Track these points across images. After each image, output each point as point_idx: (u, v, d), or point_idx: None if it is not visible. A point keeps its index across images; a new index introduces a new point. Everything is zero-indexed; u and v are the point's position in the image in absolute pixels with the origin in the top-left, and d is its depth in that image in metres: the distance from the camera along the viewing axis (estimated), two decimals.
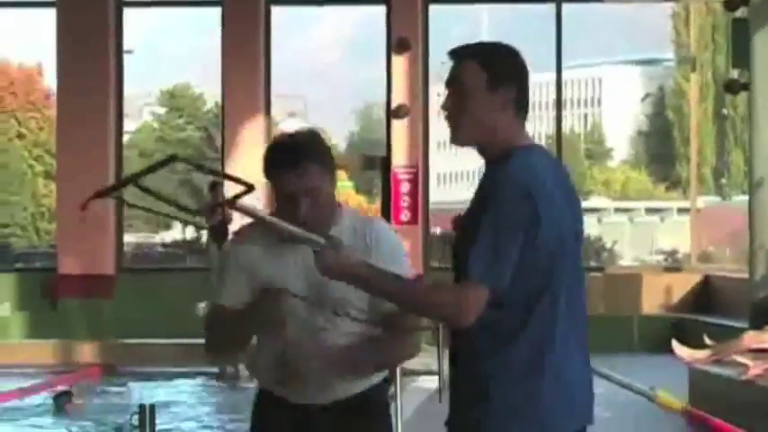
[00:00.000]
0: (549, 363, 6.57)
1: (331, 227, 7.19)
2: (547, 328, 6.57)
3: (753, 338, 19.66)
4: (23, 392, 22.44)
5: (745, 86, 25.36)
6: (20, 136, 41.44)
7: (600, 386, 7.27)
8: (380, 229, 7.59)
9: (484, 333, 6.58)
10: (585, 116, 44.84)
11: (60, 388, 22.31)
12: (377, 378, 7.84)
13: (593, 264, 32.35)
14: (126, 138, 36.81)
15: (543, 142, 27.01)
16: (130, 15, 31.47)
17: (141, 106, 39.21)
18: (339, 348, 7.53)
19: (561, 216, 6.54)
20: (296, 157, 7.31)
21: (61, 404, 21.42)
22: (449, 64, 6.92)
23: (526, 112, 6.74)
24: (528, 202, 6.44)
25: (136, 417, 7.74)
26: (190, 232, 36.14)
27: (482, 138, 6.66)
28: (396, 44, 29.48)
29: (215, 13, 30.73)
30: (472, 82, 6.60)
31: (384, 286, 6.82)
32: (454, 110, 6.64)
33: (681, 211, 32.14)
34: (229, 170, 27.83)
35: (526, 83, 6.78)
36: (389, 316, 7.50)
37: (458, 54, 6.74)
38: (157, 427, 7.66)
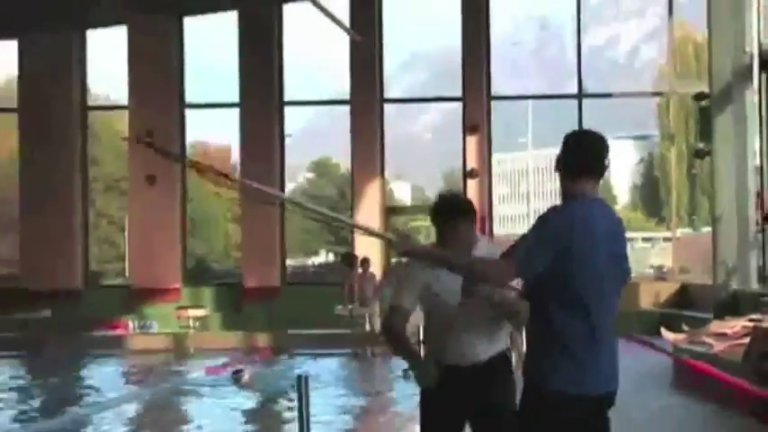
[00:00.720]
0: (568, 336, 6.87)
1: (475, 244, 7.98)
2: (567, 318, 6.88)
3: (716, 326, 19.39)
4: (222, 368, 22.38)
5: (708, 153, 25.73)
6: (216, 194, 42.53)
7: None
8: (491, 245, 8.25)
9: (532, 316, 7.07)
10: None
11: (238, 366, 22.22)
12: (501, 347, 8.27)
13: None
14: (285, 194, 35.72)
15: None
16: (290, 111, 30.95)
17: (296, 172, 40.14)
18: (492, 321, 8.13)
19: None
20: (466, 209, 8.13)
21: (237, 378, 21.36)
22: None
23: (594, 175, 7.18)
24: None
25: (295, 385, 7.98)
26: (329, 257, 35.88)
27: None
28: (468, 128, 28.91)
29: (346, 110, 30.01)
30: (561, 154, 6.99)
31: (448, 261, 7.41)
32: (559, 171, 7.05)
33: (665, 239, 33.05)
34: (356, 215, 28.79)
35: (596, 153, 7.11)
36: (507, 304, 7.95)
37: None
38: (310, 392, 7.87)
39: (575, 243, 6.69)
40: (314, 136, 33.13)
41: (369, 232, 8.47)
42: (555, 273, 6.72)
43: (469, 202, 8.31)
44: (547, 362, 6.83)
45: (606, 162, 7.00)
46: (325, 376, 21.78)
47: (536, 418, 6.90)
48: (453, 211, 8.00)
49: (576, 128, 28.57)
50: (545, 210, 6.83)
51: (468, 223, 8.03)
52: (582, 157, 6.88)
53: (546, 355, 6.87)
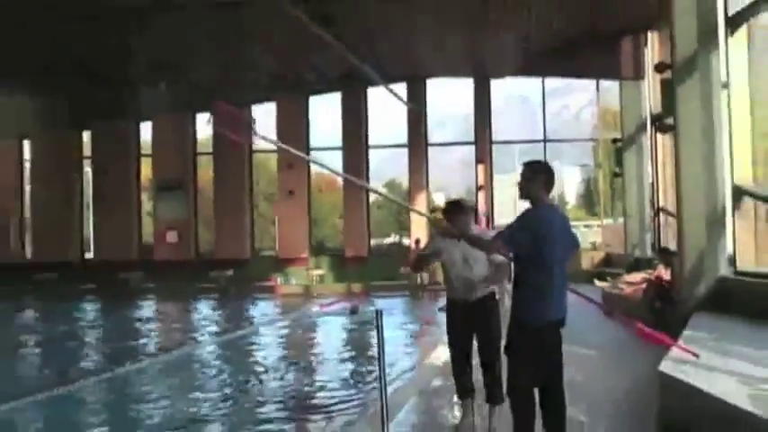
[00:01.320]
0: (535, 285, 7.00)
1: (470, 231, 7.93)
2: (536, 273, 7.00)
3: (627, 278, 19.20)
4: (331, 305, 22.15)
5: (621, 174, 26.10)
6: (330, 203, 38.79)
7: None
8: (483, 231, 8.39)
9: (516, 274, 7.16)
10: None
11: (351, 303, 21.88)
12: (490, 289, 8.41)
13: None
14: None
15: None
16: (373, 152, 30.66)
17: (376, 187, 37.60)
18: (479, 276, 8.28)
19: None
20: (464, 208, 8.24)
21: (353, 310, 21.27)
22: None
23: (549, 188, 7.22)
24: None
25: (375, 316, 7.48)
26: (396, 238, 35.32)
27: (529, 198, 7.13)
28: (478, 160, 28.84)
29: (405, 150, 29.65)
30: (529, 175, 7.07)
31: (465, 235, 7.65)
32: (523, 185, 7.16)
33: (597, 226, 31.88)
34: (413, 215, 29.25)
35: (551, 175, 7.22)
36: (495, 264, 8.26)
37: (525, 165, 7.18)
38: (384, 319, 7.42)
39: (542, 229, 6.96)
40: (387, 165, 32.71)
41: (420, 213, 8.17)
42: (529, 247, 6.97)
43: (464, 204, 8.47)
44: (524, 302, 7.08)
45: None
46: (394, 309, 21.89)
47: (519, 337, 7.12)
48: (454, 209, 8.28)
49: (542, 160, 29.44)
50: (524, 210, 7.08)
51: (462, 217, 8.19)
52: (548, 177, 7.13)
53: (523, 298, 7.10)
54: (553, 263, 7.04)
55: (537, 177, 7.13)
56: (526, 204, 7.06)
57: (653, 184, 24.04)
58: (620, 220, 27.68)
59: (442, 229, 7.92)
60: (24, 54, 22.88)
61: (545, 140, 29.58)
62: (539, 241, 6.98)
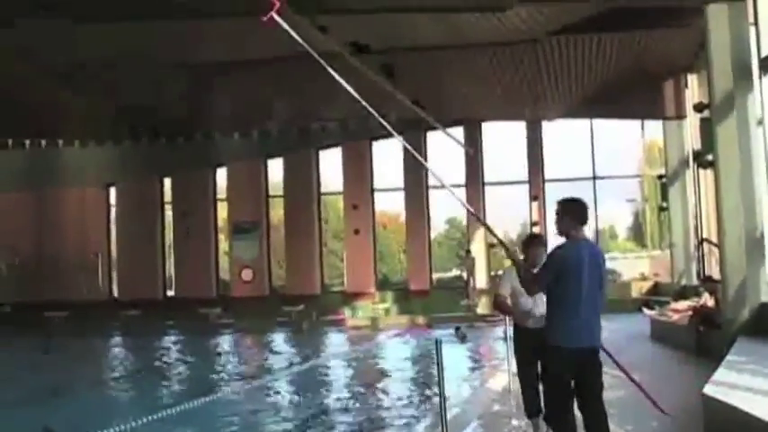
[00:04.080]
0: (564, 315, 7.07)
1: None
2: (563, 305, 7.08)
3: (673, 305, 19.07)
4: (405, 333, 23.31)
5: (667, 208, 25.87)
6: (394, 240, 37.54)
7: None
8: None
9: (547, 304, 7.32)
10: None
11: (457, 325, 22.57)
12: None
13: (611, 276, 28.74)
14: None
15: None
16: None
17: (439, 224, 36.81)
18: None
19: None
20: (542, 240, 8.49)
21: (462, 335, 21.54)
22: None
23: (582, 223, 7.26)
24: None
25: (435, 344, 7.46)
26: (456, 272, 34.61)
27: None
28: (533, 197, 28.92)
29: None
30: (561, 213, 7.19)
31: (519, 269, 7.61)
32: (557, 222, 7.28)
33: (646, 256, 31.93)
34: (471, 247, 29.26)
35: (582, 212, 7.27)
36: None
37: (558, 203, 7.31)
38: (444, 347, 7.17)
39: (565, 265, 7.00)
40: (446, 204, 32.42)
41: (496, 238, 8.00)
42: (554, 283, 7.07)
43: (542, 238, 8.85)
44: (555, 329, 7.15)
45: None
46: (455, 339, 21.61)
47: (552, 363, 7.27)
48: (534, 242, 8.48)
49: (593, 198, 28.55)
50: (553, 248, 7.20)
51: (541, 249, 8.34)
52: (579, 213, 7.22)
53: (554, 325, 7.18)
54: (580, 294, 7.04)
55: (567, 214, 7.22)
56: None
57: (696, 216, 23.74)
58: (667, 251, 27.44)
59: (515, 263, 7.78)
60: (112, 106, 23.55)
61: (594, 177, 29.50)
62: (562, 277, 7.02)
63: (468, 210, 11.45)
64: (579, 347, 7.09)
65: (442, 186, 27.38)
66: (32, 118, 24.53)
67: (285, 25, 7.33)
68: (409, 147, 10.52)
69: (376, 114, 8.10)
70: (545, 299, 7.90)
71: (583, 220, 7.30)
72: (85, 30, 15.84)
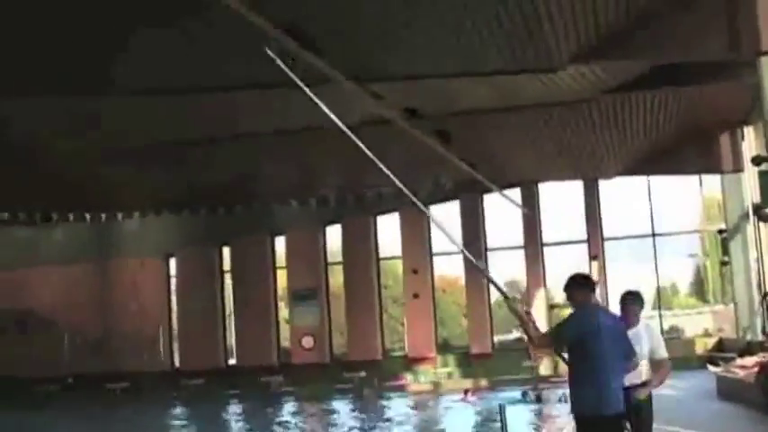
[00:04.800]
0: (587, 380, 7.10)
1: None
2: (583, 367, 7.17)
3: (740, 362, 18.73)
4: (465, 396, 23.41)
5: (728, 263, 25.83)
6: (454, 302, 37.13)
7: None
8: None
9: (570, 368, 7.36)
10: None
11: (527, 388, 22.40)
12: (641, 379, 8.36)
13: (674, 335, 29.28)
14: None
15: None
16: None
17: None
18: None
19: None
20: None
21: (539, 396, 21.75)
22: None
23: (590, 290, 7.44)
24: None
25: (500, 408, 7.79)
26: (517, 334, 34.87)
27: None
28: (591, 257, 28.65)
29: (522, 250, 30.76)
30: (567, 285, 7.41)
31: (523, 325, 7.55)
32: (567, 294, 7.53)
33: (709, 312, 31.46)
34: (532, 308, 29.35)
35: (584, 282, 7.52)
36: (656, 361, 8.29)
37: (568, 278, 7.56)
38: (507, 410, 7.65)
39: (586, 326, 7.13)
40: (506, 266, 32.25)
41: (500, 291, 7.95)
42: (575, 342, 7.17)
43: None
44: (578, 396, 7.24)
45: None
46: (519, 402, 21.31)
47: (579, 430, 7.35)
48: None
49: (653, 255, 28.95)
50: (572, 312, 7.37)
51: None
52: (581, 283, 7.48)
53: (577, 392, 7.25)
54: (603, 358, 7.09)
55: (573, 286, 7.45)
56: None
57: (759, 269, 23.55)
58: (731, 305, 27.26)
59: (521, 318, 7.66)
60: (171, 178, 24.04)
61: (653, 234, 29.36)
62: (584, 336, 7.11)
63: (474, 263, 11.50)
64: (607, 414, 7.08)
65: (501, 249, 26.70)
66: (93, 192, 25.02)
67: (316, 99, 7.72)
68: (435, 220, 11.33)
69: (402, 186, 8.69)
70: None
71: (589, 288, 7.52)
72: (147, 104, 16.26)
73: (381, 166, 8.15)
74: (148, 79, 14.50)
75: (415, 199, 8.87)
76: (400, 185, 8.33)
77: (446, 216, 30.77)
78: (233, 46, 11.82)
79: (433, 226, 30.83)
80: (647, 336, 8.67)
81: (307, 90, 8.36)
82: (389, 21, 12.09)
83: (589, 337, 7.12)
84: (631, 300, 8.59)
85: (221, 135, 19.44)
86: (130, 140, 19.34)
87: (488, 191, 27.62)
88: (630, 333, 7.87)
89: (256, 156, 21.56)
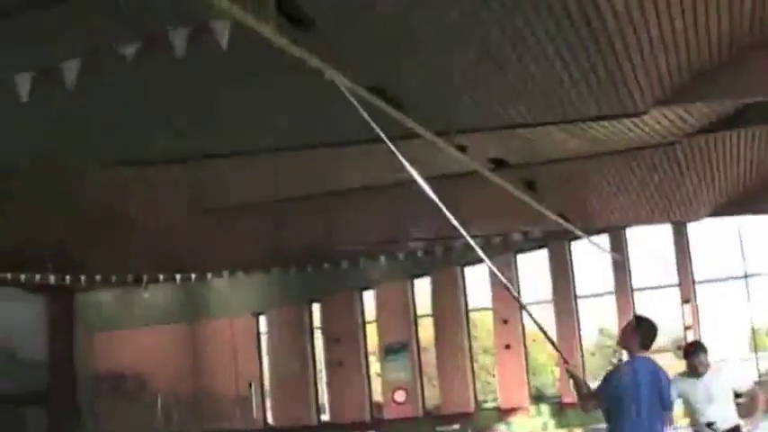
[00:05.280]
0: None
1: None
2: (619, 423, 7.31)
3: None
4: None
5: None
6: (545, 352, 37.16)
7: None
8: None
9: (607, 423, 7.54)
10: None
11: None
12: (736, 422, 8.49)
13: None
14: None
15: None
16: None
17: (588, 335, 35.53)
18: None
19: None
20: (702, 346, 8.52)
21: None
22: None
23: (645, 344, 7.50)
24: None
25: None
26: None
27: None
28: (683, 301, 28.51)
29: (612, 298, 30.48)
30: (628, 329, 7.56)
31: (576, 383, 7.72)
32: (621, 336, 7.73)
33: None
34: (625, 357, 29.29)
35: (649, 334, 7.54)
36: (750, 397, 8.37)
37: (634, 317, 7.77)
38: None
39: (620, 383, 7.31)
40: (596, 313, 32.01)
41: (551, 342, 8.36)
42: (608, 400, 7.38)
43: (700, 344, 8.92)
44: None
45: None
46: None
47: None
48: (698, 349, 8.65)
49: (746, 296, 28.26)
50: (613, 365, 7.70)
51: (702, 355, 8.52)
52: (645, 335, 7.53)
53: None
54: (637, 413, 7.18)
55: (634, 332, 7.51)
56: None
57: None
58: None
59: (572, 375, 7.95)
60: (260, 236, 24.32)
61: (746, 276, 28.87)
62: (617, 394, 7.26)
63: (531, 317, 11.92)
64: None
65: (591, 296, 26.45)
66: (183, 252, 25.70)
67: (398, 153, 7.89)
68: (495, 270, 10.98)
69: (467, 236, 8.65)
70: (721, 405, 8.29)
71: (647, 343, 7.56)
72: (237, 165, 16.63)
73: (451, 217, 8.28)
74: (236, 141, 14.91)
75: (480, 251, 9.09)
76: (467, 237, 8.44)
77: (535, 265, 30.88)
78: (319, 104, 11.97)
79: (522, 276, 31.09)
80: (723, 378, 8.77)
81: (390, 144, 8.49)
82: (476, 75, 12.21)
83: (623, 393, 7.26)
84: (693, 351, 8.76)
85: (308, 193, 19.69)
86: (219, 200, 19.81)
87: (577, 238, 27.51)
88: (705, 381, 8.17)
89: (344, 212, 21.81)
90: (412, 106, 11.70)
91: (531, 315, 8.97)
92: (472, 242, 8.60)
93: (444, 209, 8.37)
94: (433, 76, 12.02)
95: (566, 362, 8.40)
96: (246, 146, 15.32)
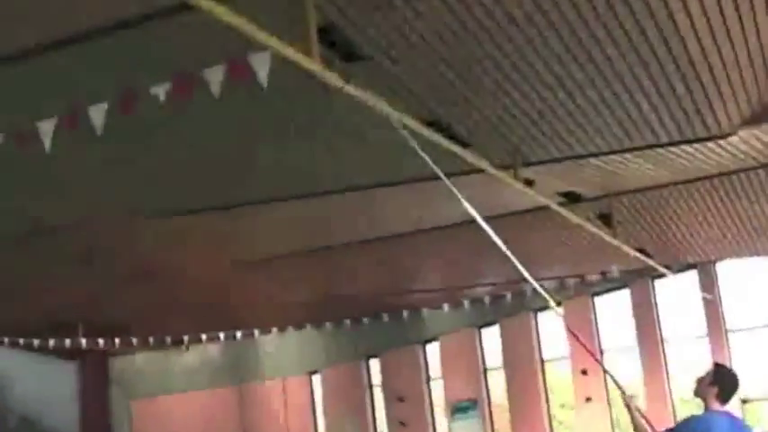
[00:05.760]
0: None
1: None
2: None
3: None
4: None
5: None
6: None
7: None
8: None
9: None
10: None
11: None
12: None
13: None
14: None
15: None
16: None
17: None
18: None
19: None
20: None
21: None
22: None
23: (724, 399, 7.52)
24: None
25: None
26: None
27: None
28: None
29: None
30: (708, 379, 7.49)
31: (634, 420, 7.81)
32: (697, 385, 7.64)
33: None
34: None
35: (729, 389, 7.53)
36: None
37: (714, 365, 7.86)
38: None
39: None
40: (687, 358, 31.67)
41: (617, 384, 8.37)
42: None
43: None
44: None
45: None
46: None
47: None
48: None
49: None
50: (686, 417, 7.73)
51: None
52: (725, 389, 7.53)
53: None
54: None
55: (717, 384, 7.48)
56: None
57: None
58: None
59: (629, 408, 8.01)
60: (311, 289, 24.47)
61: None
62: None
63: (594, 357, 11.94)
64: None
65: (680, 339, 26.14)
66: (226, 309, 25.84)
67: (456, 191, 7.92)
68: (558, 312, 10.85)
69: (532, 281, 8.58)
70: None
71: (726, 396, 7.56)
72: (284, 211, 16.75)
73: (515, 260, 8.23)
74: (282, 185, 15.10)
75: (547, 295, 9.08)
76: (532, 281, 8.41)
77: (617, 307, 30.60)
78: (371, 140, 12.17)
79: (601, 320, 30.81)
80: None
81: (446, 180, 8.54)
82: (544, 103, 12.22)
83: None
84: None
85: (362, 238, 19.84)
86: (265, 250, 19.99)
87: (661, 276, 27.23)
88: None
89: (402, 257, 21.89)
90: (472, 139, 11.83)
91: (599, 362, 8.77)
92: (536, 285, 8.58)
93: (506, 249, 8.34)
94: (495, 105, 12.02)
95: (623, 392, 8.25)
96: (293, 190, 15.50)
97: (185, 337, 28.88)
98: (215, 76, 7.59)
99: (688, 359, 31.23)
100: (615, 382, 8.50)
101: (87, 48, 9.34)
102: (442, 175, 8.52)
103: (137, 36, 9.11)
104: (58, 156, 9.39)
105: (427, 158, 8.42)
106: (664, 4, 9.40)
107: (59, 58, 9.50)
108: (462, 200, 8.54)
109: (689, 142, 15.08)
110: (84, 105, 8.46)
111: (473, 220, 8.97)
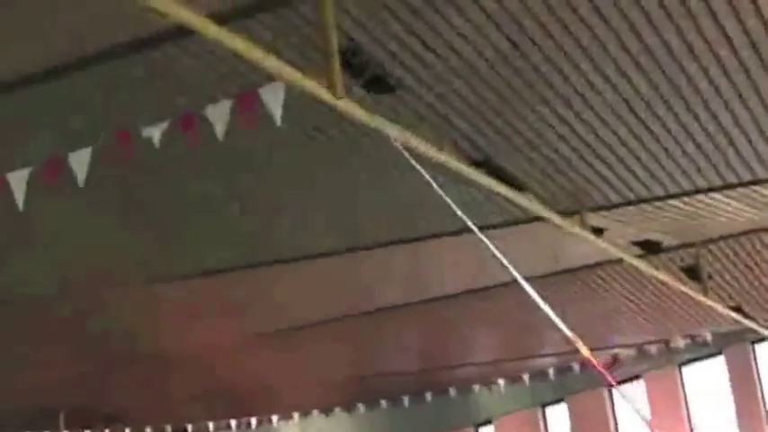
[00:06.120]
0: None
1: None
2: None
3: None
4: None
5: None
6: None
7: None
8: None
9: None
10: None
11: None
12: None
13: None
14: None
15: None
16: None
17: None
18: None
19: None
20: None
21: None
22: None
23: None
24: None
25: None
26: None
27: None
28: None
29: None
30: None
31: None
32: None
33: None
34: None
35: None
36: None
37: None
38: None
39: None
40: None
41: None
42: None
43: None
44: None
45: None
46: None
47: None
48: None
49: None
50: None
51: None
52: None
53: None
54: None
55: None
56: None
57: None
58: None
59: None
60: (340, 364, 24.55)
61: None
62: None
63: None
64: None
65: None
66: (240, 392, 25.81)
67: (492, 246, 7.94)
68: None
69: (584, 349, 8.10)
70: None
71: None
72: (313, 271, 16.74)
73: (563, 326, 8.08)
74: (303, 241, 15.15)
75: (601, 368, 8.73)
76: (583, 349, 8.19)
77: (710, 378, 30.44)
78: (404, 187, 12.16)
79: (691, 393, 30.62)
80: None
81: (479, 233, 8.43)
82: (612, 138, 12.20)
83: None
84: None
85: (399, 302, 19.71)
86: (284, 320, 20.00)
87: (763, 339, 27.10)
88: None
89: (448, 325, 21.81)
90: (529, 181, 11.77)
91: None
92: (590, 357, 8.24)
93: (550, 311, 8.20)
94: (555, 139, 11.96)
95: None
96: (317, 247, 15.47)
97: (189, 427, 28.52)
98: (220, 114, 7.56)
99: None
100: None
101: (62, 84, 9.35)
102: (470, 223, 8.37)
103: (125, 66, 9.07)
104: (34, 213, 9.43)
105: (452, 204, 8.28)
106: None
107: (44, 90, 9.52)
108: (499, 255, 8.38)
109: None
110: (64, 152, 8.49)
111: (532, 278, 8.90)
